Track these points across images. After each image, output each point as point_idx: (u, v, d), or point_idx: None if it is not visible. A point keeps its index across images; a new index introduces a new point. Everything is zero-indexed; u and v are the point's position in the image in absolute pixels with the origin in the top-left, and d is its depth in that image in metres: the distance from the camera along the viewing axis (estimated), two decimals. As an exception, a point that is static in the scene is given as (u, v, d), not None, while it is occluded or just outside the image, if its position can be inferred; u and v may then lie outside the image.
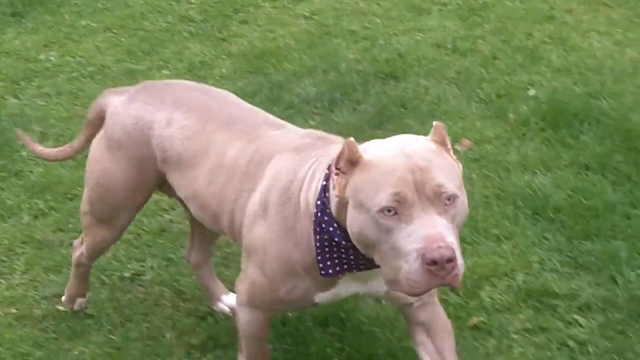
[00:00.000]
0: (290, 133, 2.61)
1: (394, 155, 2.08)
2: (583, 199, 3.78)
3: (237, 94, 2.99)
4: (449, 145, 2.18)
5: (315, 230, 2.22)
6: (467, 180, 3.54)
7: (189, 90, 2.87)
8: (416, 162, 2.03)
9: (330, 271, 2.24)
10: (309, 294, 2.41)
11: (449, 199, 2.02)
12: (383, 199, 2.00)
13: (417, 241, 1.96)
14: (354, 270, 2.26)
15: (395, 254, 2.00)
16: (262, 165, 2.47)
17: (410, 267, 1.97)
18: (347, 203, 2.10)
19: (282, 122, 2.74)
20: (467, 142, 4.32)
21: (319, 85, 4.98)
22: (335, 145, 2.36)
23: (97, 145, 2.89)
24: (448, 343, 2.53)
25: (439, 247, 1.93)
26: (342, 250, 2.20)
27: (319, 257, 2.23)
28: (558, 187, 3.89)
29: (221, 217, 2.60)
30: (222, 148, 2.59)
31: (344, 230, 2.15)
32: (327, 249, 2.22)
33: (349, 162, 2.09)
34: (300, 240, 2.31)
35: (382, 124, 4.54)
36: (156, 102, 2.77)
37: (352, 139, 2.10)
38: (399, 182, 2.00)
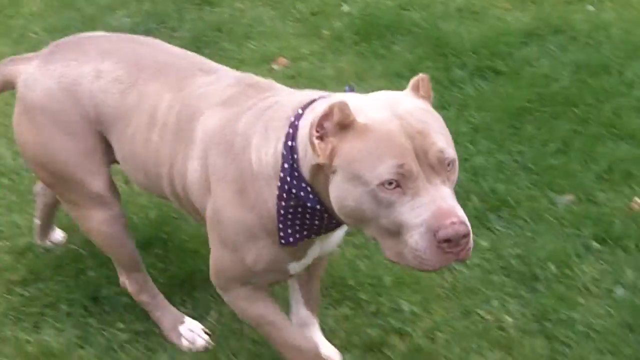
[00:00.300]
0: (220, 81, 2.32)
1: (387, 118, 1.83)
2: (395, 105, 3.91)
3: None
4: (431, 99, 2.01)
5: (280, 195, 1.98)
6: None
7: (113, 40, 2.57)
8: (414, 126, 1.82)
9: (290, 239, 2.05)
10: (281, 263, 2.17)
11: (449, 165, 1.84)
12: (384, 171, 1.78)
13: (425, 215, 1.77)
14: (313, 236, 2.09)
15: (399, 229, 1.81)
16: (192, 123, 2.23)
17: (418, 243, 1.78)
18: (334, 172, 1.86)
19: (217, 66, 2.46)
20: (283, 60, 4.38)
21: (133, 15, 4.90)
22: (271, 93, 2.19)
23: (19, 123, 2.52)
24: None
25: (453, 222, 1.75)
26: (308, 217, 2.01)
27: (281, 225, 2.02)
28: (372, 96, 4.00)
29: (160, 181, 2.37)
30: (154, 101, 2.34)
31: (317, 193, 1.95)
32: (290, 216, 2.01)
33: (339, 126, 1.83)
34: (255, 203, 2.07)
35: (200, 49, 4.49)
36: (78, 55, 2.46)
37: (344, 100, 1.83)
38: (400, 151, 1.79)
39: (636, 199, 3.33)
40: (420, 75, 1.99)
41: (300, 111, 1.99)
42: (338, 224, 2.04)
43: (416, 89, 1.97)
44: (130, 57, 2.44)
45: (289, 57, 4.43)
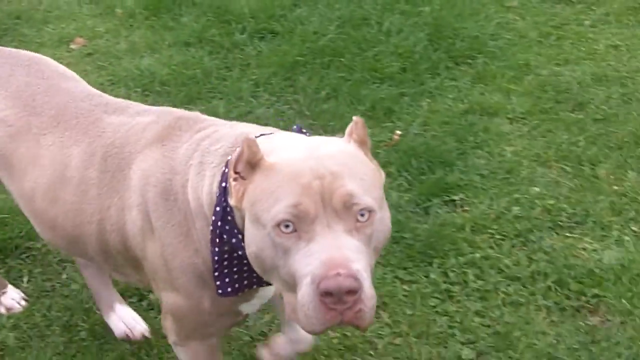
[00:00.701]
0: (137, 120, 2.11)
1: (301, 158, 1.68)
2: (185, 70, 4.36)
3: None
4: (369, 146, 1.81)
5: (213, 240, 1.81)
6: (82, 72, 3.91)
7: (10, 64, 2.31)
8: (327, 167, 1.64)
9: (228, 289, 1.86)
10: (233, 306, 2.00)
11: (362, 214, 1.63)
12: (279, 211, 1.61)
13: (314, 264, 1.58)
14: (254, 287, 1.91)
15: (293, 281, 1.63)
16: (123, 172, 2.02)
17: (303, 296, 1.59)
18: (244, 215, 1.72)
19: (124, 102, 2.24)
20: (80, 40, 4.69)
21: None
22: (206, 124, 2.02)
23: None
24: None
25: (337, 274, 1.55)
26: (245, 266, 1.83)
27: (216, 273, 1.84)
28: (163, 65, 4.42)
29: (84, 241, 2.12)
30: (59, 157, 2.10)
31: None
32: (226, 263, 1.83)
33: (249, 165, 1.69)
34: (199, 246, 1.90)
35: (0, 38, 4.72)
36: None
37: (252, 136, 1.72)
38: (300, 190, 1.62)
39: (397, 131, 3.88)
40: (355, 118, 1.79)
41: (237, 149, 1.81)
42: None
43: (350, 133, 1.78)
44: (22, 96, 2.22)
45: (85, 36, 4.74)
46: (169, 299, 2.03)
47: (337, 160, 1.68)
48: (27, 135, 2.15)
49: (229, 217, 1.78)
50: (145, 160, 1.99)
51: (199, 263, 1.91)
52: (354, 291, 1.56)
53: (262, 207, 1.65)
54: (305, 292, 1.59)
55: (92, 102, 2.20)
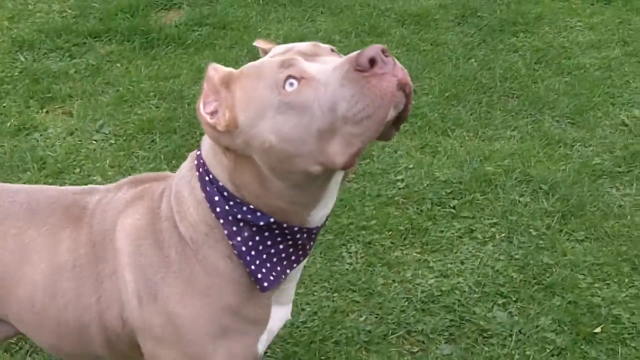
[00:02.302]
0: (113, 190, 2.01)
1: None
2: None
3: None
4: None
5: (230, 234, 1.71)
6: None
7: None
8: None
9: (271, 278, 1.76)
10: (252, 347, 1.88)
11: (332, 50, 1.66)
12: (274, 74, 1.56)
13: (340, 68, 1.50)
14: (289, 270, 1.79)
15: (331, 117, 1.50)
16: (109, 237, 1.90)
17: (346, 95, 1.47)
18: (241, 132, 1.61)
19: (88, 187, 2.10)
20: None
21: None
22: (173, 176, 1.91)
23: None
24: None
25: (367, 49, 1.48)
26: (269, 243, 1.73)
27: (252, 267, 1.73)
28: None
29: (88, 333, 1.95)
30: (48, 246, 1.95)
31: (259, 210, 1.69)
32: (253, 252, 1.72)
33: (223, 85, 1.65)
34: (208, 283, 1.78)
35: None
36: None
37: (213, 63, 1.69)
38: (280, 56, 1.63)
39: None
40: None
41: (197, 151, 1.81)
42: (304, 247, 1.78)
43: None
44: None
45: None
46: None
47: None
48: (7, 241, 1.97)
49: (232, 202, 1.69)
50: (128, 219, 1.89)
51: (209, 308, 1.79)
52: (387, 51, 1.48)
53: (256, 91, 1.58)
54: (348, 89, 1.48)
55: (57, 190, 2.08)
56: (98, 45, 4.95)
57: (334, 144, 1.52)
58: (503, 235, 3.45)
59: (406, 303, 3.08)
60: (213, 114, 1.65)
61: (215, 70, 1.66)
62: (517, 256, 3.32)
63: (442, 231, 3.46)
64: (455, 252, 3.35)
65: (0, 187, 2.08)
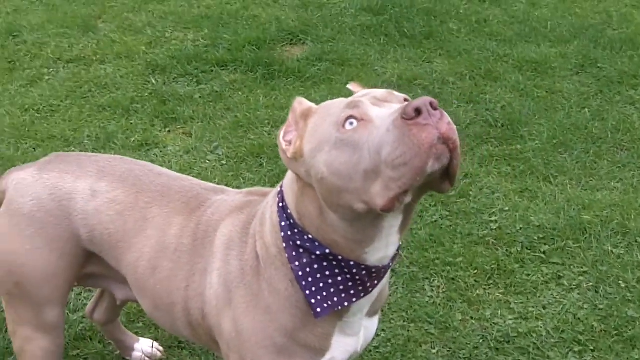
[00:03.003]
0: (230, 195, 2.23)
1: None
2: None
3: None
4: None
5: (290, 257, 1.84)
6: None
7: (110, 160, 2.38)
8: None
9: (325, 305, 1.84)
10: None
11: (406, 100, 1.75)
12: (339, 113, 1.68)
13: (390, 118, 1.60)
14: (347, 303, 1.87)
15: (377, 158, 1.59)
16: (209, 239, 2.10)
17: (390, 142, 1.57)
18: (305, 159, 1.75)
19: (220, 186, 2.35)
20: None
21: None
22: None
23: None
24: None
25: (416, 100, 1.56)
26: (328, 273, 1.82)
27: (307, 292, 1.84)
28: None
29: (173, 311, 2.17)
30: (162, 225, 2.18)
31: (317, 240, 1.81)
32: (310, 279, 1.83)
33: (303, 117, 1.80)
34: (270, 302, 1.92)
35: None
36: (75, 170, 2.29)
37: (299, 97, 1.88)
38: (351, 99, 1.75)
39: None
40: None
41: (282, 182, 1.96)
42: (363, 283, 1.85)
43: None
44: (127, 178, 2.29)
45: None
46: None
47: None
48: (135, 210, 2.22)
49: (296, 230, 1.83)
50: (227, 226, 2.07)
51: (269, 324, 1.92)
52: (436, 105, 1.56)
53: (321, 128, 1.71)
54: (392, 133, 1.56)
55: (192, 182, 2.32)
56: (224, 73, 5.26)
57: (376, 185, 1.61)
58: (590, 284, 3.43)
59: (481, 340, 3.12)
60: (290, 142, 1.81)
61: (300, 104, 1.83)
62: (601, 306, 3.29)
63: (528, 274, 3.48)
64: (539, 296, 3.36)
65: (150, 167, 2.37)
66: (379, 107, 1.67)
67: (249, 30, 5.82)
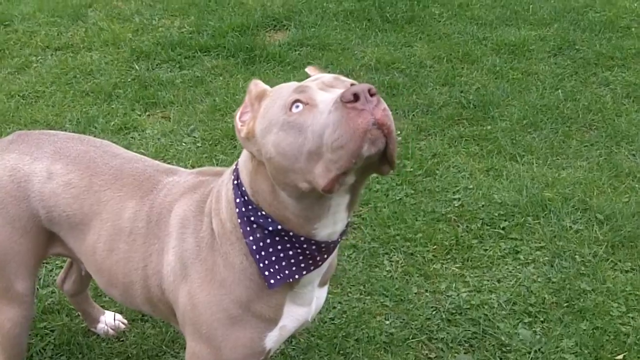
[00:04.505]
0: (182, 176, 2.30)
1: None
2: None
3: None
4: None
5: (245, 232, 1.94)
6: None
7: (68, 140, 2.44)
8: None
9: (278, 277, 1.95)
10: (258, 340, 2.08)
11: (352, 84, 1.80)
12: (287, 96, 1.77)
13: (330, 102, 1.68)
14: (297, 276, 1.97)
15: (319, 141, 1.67)
16: (164, 220, 2.19)
17: (332, 122, 1.64)
18: (256, 139, 1.84)
19: (172, 167, 2.41)
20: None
21: None
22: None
23: None
24: None
25: (355, 86, 1.65)
26: (279, 247, 1.92)
27: (261, 264, 1.93)
28: None
29: (132, 289, 2.27)
30: (116, 209, 2.27)
31: (270, 216, 1.90)
32: (263, 252, 1.93)
33: (257, 99, 1.89)
34: (225, 275, 2.02)
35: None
36: (33, 151, 2.39)
37: (255, 79, 1.97)
38: (300, 83, 1.83)
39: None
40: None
41: (237, 161, 2.02)
42: (313, 257, 1.95)
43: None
44: (82, 160, 2.36)
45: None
46: (190, 347, 2.13)
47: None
48: (89, 193, 2.30)
49: (250, 206, 1.91)
50: (181, 206, 2.16)
51: (224, 296, 2.01)
52: (374, 92, 1.63)
53: (272, 108, 1.79)
54: (331, 116, 1.64)
55: (145, 163, 2.39)
56: (206, 59, 5.38)
57: (318, 166, 1.69)
58: (546, 258, 3.51)
59: (433, 312, 3.22)
60: (245, 122, 1.90)
61: (255, 86, 1.92)
62: (555, 279, 3.38)
63: (486, 250, 3.57)
64: (494, 270, 3.45)
65: (106, 148, 2.44)
66: (325, 92, 1.74)
67: (234, 17, 5.93)
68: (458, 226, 3.72)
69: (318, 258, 1.96)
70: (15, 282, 2.43)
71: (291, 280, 1.97)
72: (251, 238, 1.93)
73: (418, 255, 3.53)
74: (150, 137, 4.46)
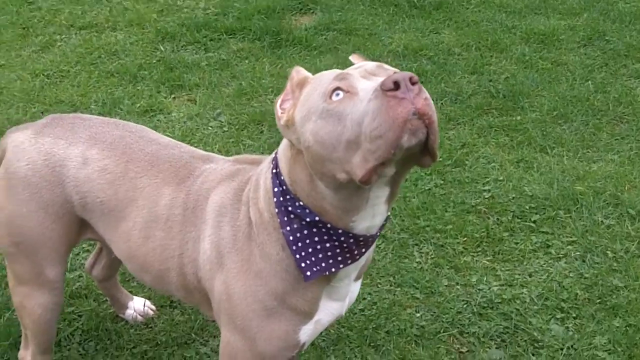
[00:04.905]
0: (219, 164, 2.26)
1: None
2: None
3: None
4: None
5: (282, 222, 1.89)
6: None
7: (103, 124, 2.41)
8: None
9: (315, 269, 1.90)
10: (292, 334, 2.05)
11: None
12: (327, 84, 1.71)
13: (371, 90, 1.62)
14: (334, 269, 1.92)
15: (358, 130, 1.62)
16: (200, 208, 2.16)
17: (371, 111, 1.59)
18: (295, 127, 1.79)
19: (208, 154, 2.37)
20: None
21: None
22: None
23: None
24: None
25: (396, 74, 1.59)
26: (317, 239, 1.87)
27: (297, 256, 1.89)
28: None
29: (167, 276, 2.25)
30: (152, 196, 2.24)
31: (307, 207, 1.86)
32: (300, 244, 1.88)
33: (299, 86, 1.84)
34: (262, 266, 1.98)
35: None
36: (68, 135, 2.35)
37: (297, 66, 1.92)
38: (341, 71, 1.77)
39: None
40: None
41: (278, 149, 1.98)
42: (351, 251, 1.90)
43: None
44: (118, 145, 2.32)
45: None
46: (225, 337, 2.10)
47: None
48: (125, 180, 2.26)
49: (288, 196, 1.87)
50: (218, 194, 2.12)
51: (260, 288, 1.98)
52: (415, 80, 1.57)
53: (312, 96, 1.74)
54: (371, 104, 1.58)
55: (181, 150, 2.35)
56: (232, 41, 5.33)
57: (356, 156, 1.63)
58: (578, 253, 3.47)
59: (464, 305, 3.19)
60: (285, 109, 1.85)
61: (297, 73, 1.87)
62: (587, 275, 3.34)
63: (517, 243, 3.53)
64: (525, 264, 3.41)
65: (142, 134, 2.40)
66: (367, 80, 1.69)
67: (260, -1, 5.88)
68: (488, 218, 3.68)
69: (356, 252, 1.91)
70: (47, 268, 2.41)
71: (327, 273, 1.92)
72: (288, 228, 1.88)
73: (448, 247, 3.49)
74: (177, 120, 4.43)
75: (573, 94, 4.70)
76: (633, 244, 3.50)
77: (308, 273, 1.90)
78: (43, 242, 2.36)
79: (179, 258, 2.18)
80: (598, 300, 3.21)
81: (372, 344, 3.00)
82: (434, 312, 3.16)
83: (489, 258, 3.45)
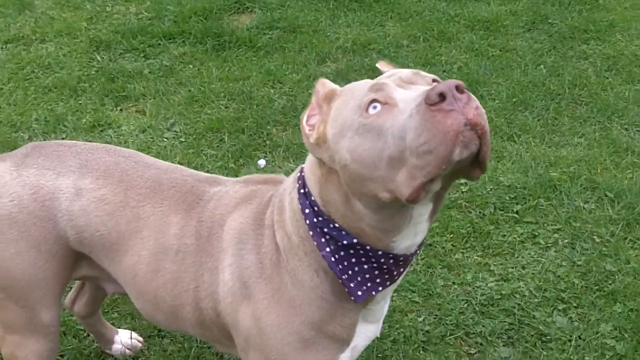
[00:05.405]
0: (228, 186, 2.09)
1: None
2: None
3: None
4: None
5: (319, 244, 1.74)
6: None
7: (92, 151, 2.19)
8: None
9: (364, 287, 1.76)
10: None
11: (434, 81, 1.63)
12: (362, 96, 1.58)
13: (416, 100, 1.48)
14: (374, 292, 1.78)
15: (402, 145, 1.48)
16: (216, 236, 1.98)
17: (416, 126, 1.45)
18: (328, 144, 1.65)
19: (213, 175, 2.19)
20: None
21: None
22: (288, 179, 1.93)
23: None
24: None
25: (440, 84, 1.45)
26: (354, 260, 1.73)
27: (344, 276, 1.74)
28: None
29: (181, 312, 2.05)
30: (159, 225, 2.04)
31: (343, 229, 1.71)
32: (341, 266, 1.74)
33: (326, 100, 1.70)
34: (294, 295, 1.83)
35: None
36: (56, 165, 2.12)
37: (322, 78, 1.77)
38: (375, 81, 1.64)
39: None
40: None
41: (301, 167, 1.85)
42: (390, 271, 1.77)
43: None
44: (113, 173, 2.12)
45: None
46: None
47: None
48: (126, 210, 2.07)
49: (320, 218, 1.73)
50: (236, 220, 1.96)
51: (295, 317, 1.83)
52: (462, 88, 1.44)
53: (344, 110, 1.61)
54: (415, 121, 1.45)
55: (183, 173, 2.16)
56: (172, 46, 5.10)
57: (401, 173, 1.50)
58: (566, 241, 3.43)
59: (465, 305, 3.10)
60: (313, 126, 1.71)
61: (323, 86, 1.73)
62: (579, 262, 3.30)
63: (504, 235, 3.46)
64: (517, 257, 3.35)
65: (137, 158, 2.19)
66: (405, 89, 1.57)
67: (194, 1, 5.64)
68: (470, 212, 3.60)
69: (395, 272, 1.78)
70: (41, 312, 2.18)
71: (373, 293, 1.79)
72: (328, 250, 1.74)
73: (437, 245, 3.40)
74: (128, 134, 4.18)
75: (528, 79, 4.69)
76: (617, 228, 3.48)
77: (359, 293, 1.76)
78: (36, 283, 2.13)
79: (194, 292, 2.01)
80: (595, 287, 3.18)
81: (379, 355, 2.88)
82: (436, 315, 3.05)
83: (479, 254, 3.37)
